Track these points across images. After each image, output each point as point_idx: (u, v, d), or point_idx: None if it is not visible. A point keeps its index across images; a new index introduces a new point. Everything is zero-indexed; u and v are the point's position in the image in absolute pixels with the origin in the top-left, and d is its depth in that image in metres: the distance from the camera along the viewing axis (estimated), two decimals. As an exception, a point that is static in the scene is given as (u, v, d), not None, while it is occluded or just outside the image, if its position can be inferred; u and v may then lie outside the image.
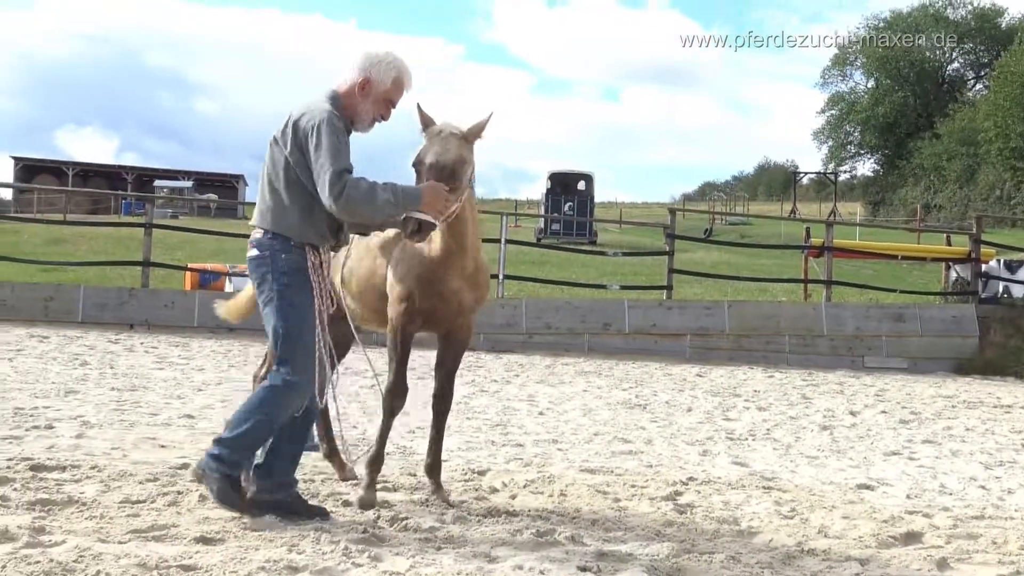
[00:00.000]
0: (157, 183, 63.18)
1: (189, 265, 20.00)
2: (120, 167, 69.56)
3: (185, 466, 6.33)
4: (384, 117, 5.16)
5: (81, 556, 4.18)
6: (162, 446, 7.10)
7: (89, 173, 67.73)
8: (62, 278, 19.88)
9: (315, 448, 7.09)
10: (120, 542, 4.50)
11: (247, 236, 5.23)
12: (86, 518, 4.91)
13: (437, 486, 5.81)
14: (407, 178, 5.19)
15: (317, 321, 5.07)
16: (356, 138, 5.10)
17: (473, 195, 5.45)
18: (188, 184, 63.57)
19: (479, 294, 5.67)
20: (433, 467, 5.84)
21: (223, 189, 66.34)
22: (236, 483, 4.98)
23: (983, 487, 7.35)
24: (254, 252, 5.08)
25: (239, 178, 68.00)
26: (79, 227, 31.24)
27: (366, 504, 5.38)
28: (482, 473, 6.72)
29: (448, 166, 5.05)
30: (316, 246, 5.09)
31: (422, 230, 4.94)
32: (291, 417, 5.03)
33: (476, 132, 5.22)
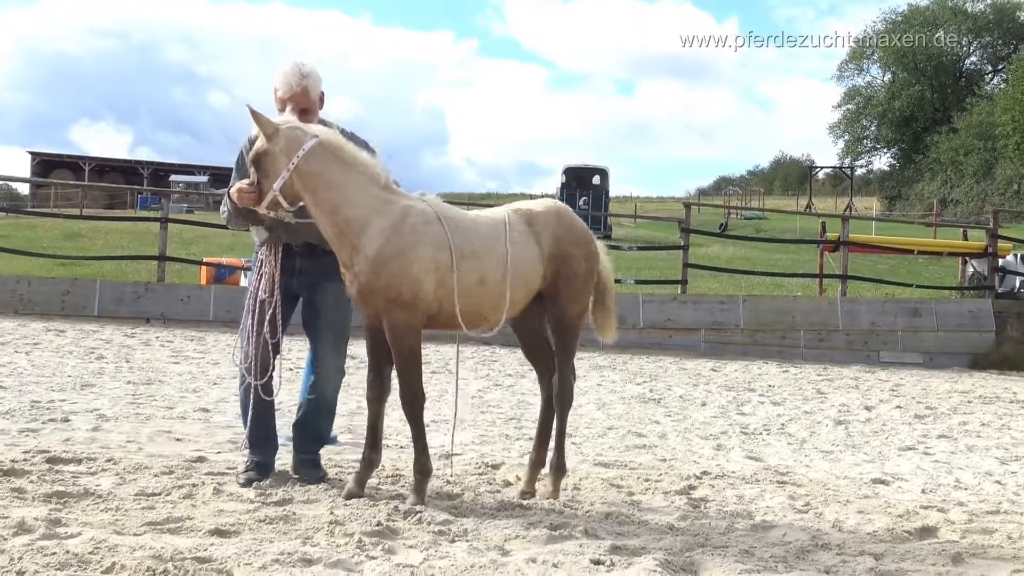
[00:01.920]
0: (173, 178, 63.47)
1: (205, 259, 20.04)
2: (136, 162, 69.81)
3: (200, 459, 6.37)
4: None
5: (97, 548, 4.20)
6: (177, 439, 7.13)
7: (105, 168, 67.96)
8: (78, 272, 19.98)
9: (331, 441, 7.14)
10: (135, 534, 4.53)
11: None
12: (102, 510, 4.94)
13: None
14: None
15: (253, 309, 5.75)
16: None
17: (320, 182, 5.30)
18: (204, 179, 63.78)
19: (361, 281, 5.29)
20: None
21: (238, 184, 66.38)
22: (255, 465, 5.82)
23: (999, 482, 7.32)
24: None
25: (254, 173, 67.96)
26: (95, 222, 31.36)
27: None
28: (496, 467, 6.73)
29: (250, 159, 5.43)
30: (270, 243, 5.78)
31: (238, 214, 5.61)
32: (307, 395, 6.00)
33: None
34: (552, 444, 5.94)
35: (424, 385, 5.59)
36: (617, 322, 6.20)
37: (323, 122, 5.76)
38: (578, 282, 5.81)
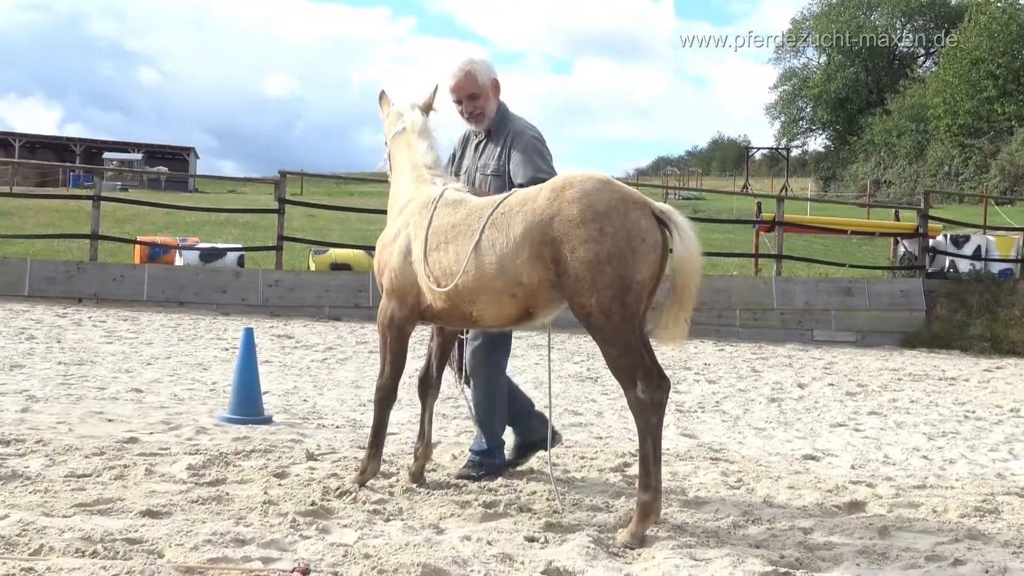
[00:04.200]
0: (106, 155, 62.29)
1: (138, 238, 19.74)
2: (68, 139, 68.45)
3: (132, 440, 6.29)
4: (462, 114, 5.79)
5: (24, 530, 4.14)
6: (109, 420, 7.04)
7: (37, 145, 66.63)
8: (8, 251, 19.56)
9: (266, 421, 7.10)
10: (64, 516, 4.46)
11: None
12: (30, 492, 4.86)
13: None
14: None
15: None
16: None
17: (394, 164, 5.76)
18: (138, 156, 62.68)
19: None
20: None
21: (173, 162, 65.52)
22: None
23: (926, 457, 7.48)
24: None
25: (190, 151, 67.09)
26: (26, 200, 30.68)
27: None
28: (432, 446, 6.71)
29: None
30: None
31: None
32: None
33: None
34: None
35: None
36: (686, 328, 5.05)
37: (502, 111, 5.77)
38: (582, 268, 4.51)
